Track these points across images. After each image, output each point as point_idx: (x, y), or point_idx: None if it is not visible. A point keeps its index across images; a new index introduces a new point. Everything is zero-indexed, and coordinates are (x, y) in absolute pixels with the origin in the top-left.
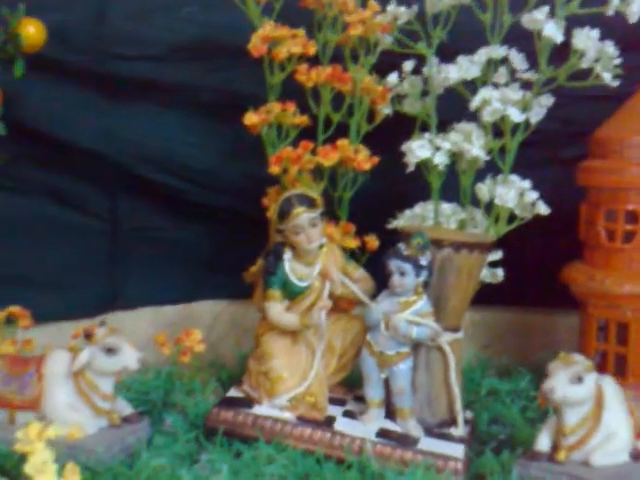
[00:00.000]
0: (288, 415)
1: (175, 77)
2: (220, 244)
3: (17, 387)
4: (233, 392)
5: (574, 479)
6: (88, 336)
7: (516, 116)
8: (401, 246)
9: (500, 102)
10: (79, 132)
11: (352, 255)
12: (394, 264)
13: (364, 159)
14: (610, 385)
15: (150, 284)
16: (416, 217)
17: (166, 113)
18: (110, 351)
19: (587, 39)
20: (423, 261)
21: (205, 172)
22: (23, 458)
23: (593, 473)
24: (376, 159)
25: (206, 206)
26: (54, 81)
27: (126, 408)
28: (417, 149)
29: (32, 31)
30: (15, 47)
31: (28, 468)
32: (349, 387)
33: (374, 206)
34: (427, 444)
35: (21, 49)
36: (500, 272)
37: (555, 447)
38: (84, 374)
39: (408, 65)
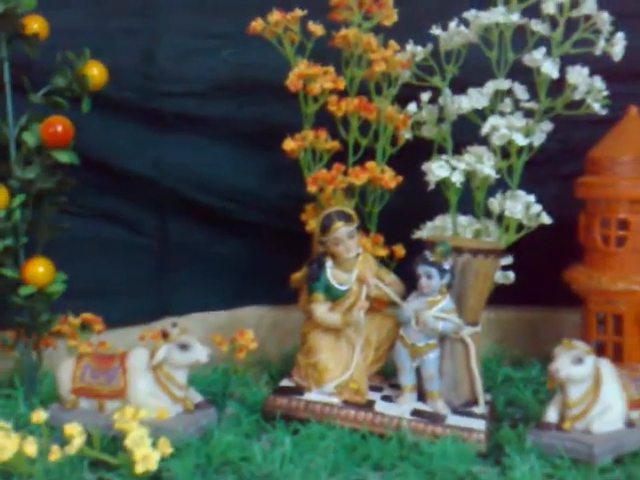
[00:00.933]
0: (335, 400)
1: (217, 111)
2: (261, 256)
3: (105, 380)
4: (285, 382)
5: (578, 444)
6: (165, 335)
7: (520, 140)
8: (427, 253)
9: (507, 128)
10: (133, 161)
11: (382, 262)
12: (422, 269)
13: (390, 178)
14: (607, 366)
15: (198, 293)
16: (437, 228)
17: (210, 142)
18: (184, 347)
19: (579, 75)
20: (446, 266)
21: (245, 193)
22: (116, 438)
23: (594, 439)
24: (400, 178)
25: (247, 223)
26: (111, 116)
27: (197, 396)
28: (436, 169)
29: (96, 72)
30: (82, 87)
31: (128, 442)
32: (385, 376)
33: (399, 219)
34: (454, 420)
35: (87, 88)
36: (511, 274)
37: (561, 418)
38: (162, 367)
39: (425, 96)
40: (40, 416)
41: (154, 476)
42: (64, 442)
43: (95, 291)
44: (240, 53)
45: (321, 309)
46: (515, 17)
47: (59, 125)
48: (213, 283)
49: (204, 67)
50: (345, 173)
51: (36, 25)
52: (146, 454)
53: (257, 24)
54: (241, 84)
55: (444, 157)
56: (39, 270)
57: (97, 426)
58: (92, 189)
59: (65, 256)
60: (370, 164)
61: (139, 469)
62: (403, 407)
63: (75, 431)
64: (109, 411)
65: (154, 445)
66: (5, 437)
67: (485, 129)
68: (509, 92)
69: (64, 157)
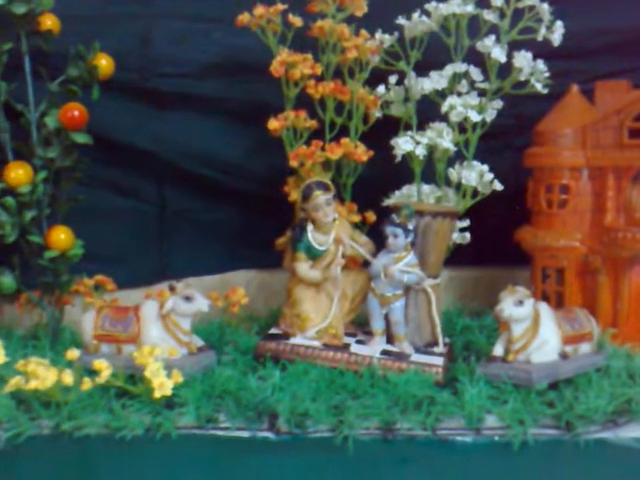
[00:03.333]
0: (316, 343)
1: (209, 90)
2: (249, 223)
3: (122, 327)
4: (272, 330)
5: (519, 372)
6: (172, 289)
7: (475, 117)
8: (394, 216)
9: (463, 107)
10: (134, 136)
11: (356, 226)
12: (389, 229)
13: (362, 153)
14: (544, 308)
15: (192, 257)
16: (403, 196)
17: (203, 118)
18: (188, 299)
19: (523, 59)
20: (410, 226)
21: (235, 165)
22: (133, 375)
23: (532, 367)
24: (371, 152)
25: (237, 192)
26: (115, 96)
27: (199, 341)
28: (402, 144)
29: (104, 63)
30: (92, 76)
31: (147, 373)
32: (358, 324)
33: (371, 189)
34: (417, 358)
35: (97, 77)
36: (467, 235)
37: (506, 352)
38: (170, 316)
39: (392, 79)
40: (74, 353)
41: (168, 401)
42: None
43: (103, 255)
44: (230, 36)
45: (303, 267)
46: (470, 8)
47: (76, 110)
48: (206, 248)
49: (197, 49)
50: (322, 149)
51: (50, 22)
52: (162, 382)
53: (243, 17)
54: (231, 65)
55: (409, 133)
56: (61, 236)
57: (116, 366)
58: (98, 162)
59: (77, 224)
60: (344, 140)
61: (157, 394)
62: (374, 348)
63: (103, 365)
64: (126, 354)
65: (168, 376)
66: (46, 370)
67: (444, 107)
68: (465, 74)
69: (80, 138)
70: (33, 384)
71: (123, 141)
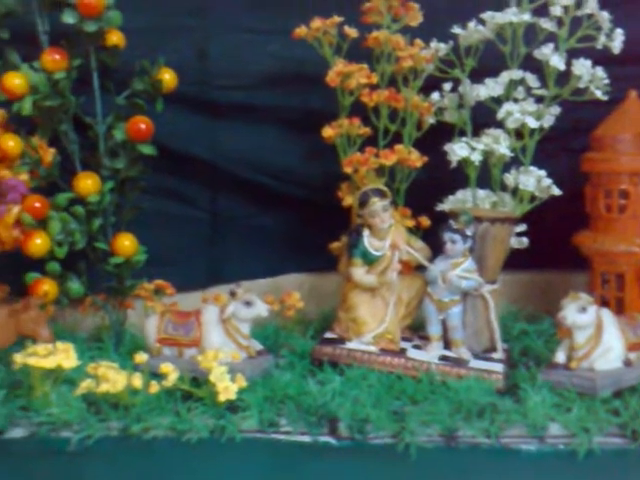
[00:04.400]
0: (373, 348)
1: (263, 99)
2: (300, 227)
3: (183, 331)
4: (328, 335)
5: (582, 379)
6: (233, 294)
7: (532, 123)
8: (452, 222)
9: (520, 113)
10: (190, 145)
11: (410, 231)
12: (447, 235)
13: (416, 159)
14: (607, 314)
15: (245, 261)
16: (458, 201)
17: (258, 127)
18: (248, 304)
19: (582, 66)
20: (468, 232)
21: (289, 171)
22: (195, 378)
23: (596, 375)
24: (425, 158)
25: (290, 198)
26: (173, 107)
27: (257, 345)
28: (458, 149)
29: (168, 77)
30: (156, 90)
31: (211, 377)
32: (414, 329)
33: (424, 194)
34: (475, 364)
35: (160, 91)
36: (525, 240)
37: (568, 359)
38: (230, 321)
39: (447, 86)
40: (142, 357)
41: (231, 405)
42: (159, 379)
43: (158, 260)
44: (284, 47)
45: (359, 272)
46: (526, 17)
47: (142, 123)
48: (259, 252)
49: (251, 62)
50: (376, 155)
51: (115, 38)
52: (226, 386)
53: (300, 30)
54: (285, 76)
55: (464, 139)
56: (125, 243)
57: (178, 369)
58: (155, 170)
59: (135, 229)
60: (398, 147)
61: (221, 398)
62: (431, 354)
63: (170, 369)
64: (187, 357)
65: (231, 380)
66: (116, 373)
67: (501, 114)
68: (521, 81)
69: (146, 149)
70: (104, 387)
71: (179, 150)
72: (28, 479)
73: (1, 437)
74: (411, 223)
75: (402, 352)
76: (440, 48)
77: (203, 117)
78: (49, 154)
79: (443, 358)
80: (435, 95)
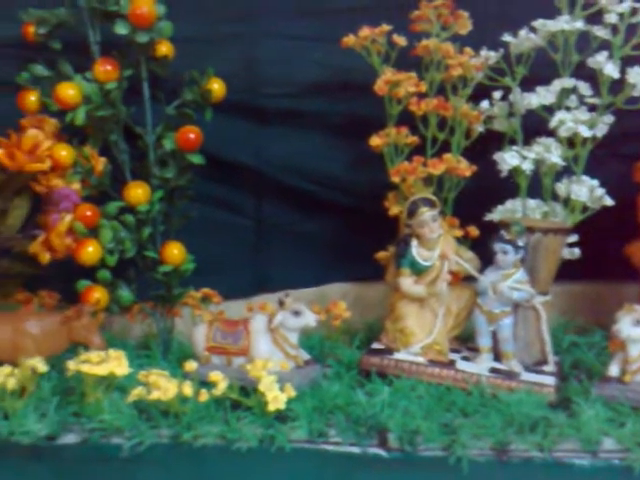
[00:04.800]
0: (421, 359)
1: (310, 107)
2: (345, 236)
3: (232, 340)
4: (375, 345)
5: (637, 393)
6: (281, 303)
7: (586, 132)
8: (503, 233)
9: (573, 122)
10: (237, 152)
11: (458, 241)
12: (498, 246)
13: (465, 168)
14: None
15: (289, 270)
16: (507, 211)
17: (304, 134)
18: (296, 313)
19: (638, 75)
20: (520, 243)
21: (335, 179)
22: (244, 387)
23: None
24: (474, 167)
25: (335, 206)
26: (220, 115)
27: (305, 355)
28: (508, 158)
29: (216, 87)
30: (205, 99)
31: (261, 386)
32: (462, 341)
33: (473, 203)
34: (527, 377)
35: (210, 101)
36: (577, 251)
37: (622, 373)
38: (278, 330)
39: (497, 94)
40: (191, 366)
41: (280, 414)
42: (208, 387)
43: (204, 268)
44: (332, 55)
45: (407, 282)
46: (579, 24)
47: (192, 133)
48: (303, 261)
49: (297, 70)
50: (424, 164)
51: (165, 48)
52: (276, 396)
53: (348, 39)
54: (333, 84)
55: (515, 148)
56: (174, 252)
57: (228, 378)
58: (203, 178)
59: (181, 238)
60: (447, 156)
61: (270, 408)
62: (481, 366)
63: (219, 378)
64: (235, 366)
65: (281, 390)
66: (167, 381)
67: (553, 123)
68: (574, 89)
69: (195, 159)
70: (155, 395)
71: (225, 158)
72: None
73: (54, 443)
74: (459, 233)
75: (451, 364)
76: (490, 56)
77: (250, 125)
78: (100, 163)
79: (493, 370)
80: (485, 103)
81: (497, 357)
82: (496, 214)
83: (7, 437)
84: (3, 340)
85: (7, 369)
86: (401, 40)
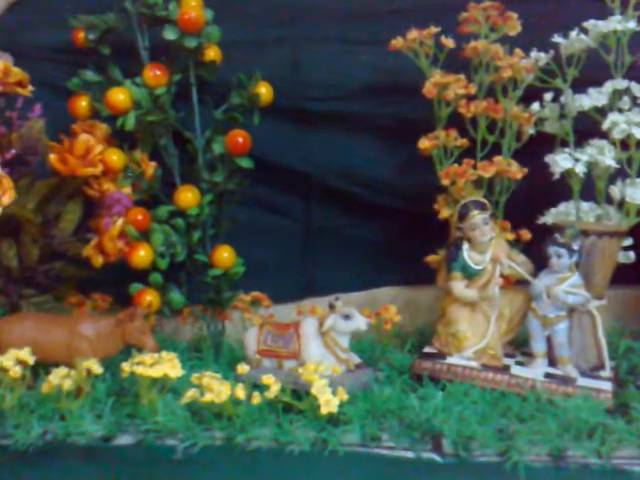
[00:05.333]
0: (474, 364)
1: (357, 110)
2: (394, 239)
3: (282, 343)
4: (427, 349)
5: None
6: (332, 307)
7: (639, 134)
8: (557, 236)
9: (626, 123)
10: (285, 155)
11: (510, 244)
12: (553, 250)
13: (516, 170)
14: None
15: (338, 273)
16: (560, 214)
17: (352, 138)
18: (347, 317)
19: None
20: (575, 246)
21: (384, 182)
22: (295, 390)
23: None
24: (525, 170)
25: (384, 209)
26: (267, 119)
27: (356, 358)
28: (560, 161)
29: (264, 91)
30: (253, 103)
31: (313, 390)
32: (516, 345)
33: (524, 206)
34: (583, 382)
35: (257, 105)
36: (632, 254)
37: None
38: (329, 334)
39: (548, 96)
40: (244, 369)
41: (332, 418)
42: (260, 390)
43: (253, 271)
44: (377, 58)
45: (459, 286)
46: (632, 24)
47: (240, 137)
48: (352, 264)
49: (343, 73)
50: (474, 167)
51: (213, 53)
52: (328, 399)
53: (396, 42)
54: (379, 87)
55: (567, 150)
56: (224, 255)
57: (279, 381)
58: (250, 181)
59: (229, 241)
60: (497, 158)
61: (323, 411)
62: (536, 370)
63: (271, 381)
64: (286, 369)
65: (333, 393)
66: (220, 384)
67: (606, 125)
68: (626, 90)
69: (244, 163)
70: (208, 397)
71: (274, 161)
72: None
73: (110, 443)
74: (511, 237)
75: (505, 368)
76: (540, 57)
77: (297, 128)
78: (151, 168)
79: (548, 375)
80: (535, 105)
81: (551, 362)
82: (549, 217)
83: (64, 438)
84: (59, 342)
85: (63, 371)
86: (449, 42)
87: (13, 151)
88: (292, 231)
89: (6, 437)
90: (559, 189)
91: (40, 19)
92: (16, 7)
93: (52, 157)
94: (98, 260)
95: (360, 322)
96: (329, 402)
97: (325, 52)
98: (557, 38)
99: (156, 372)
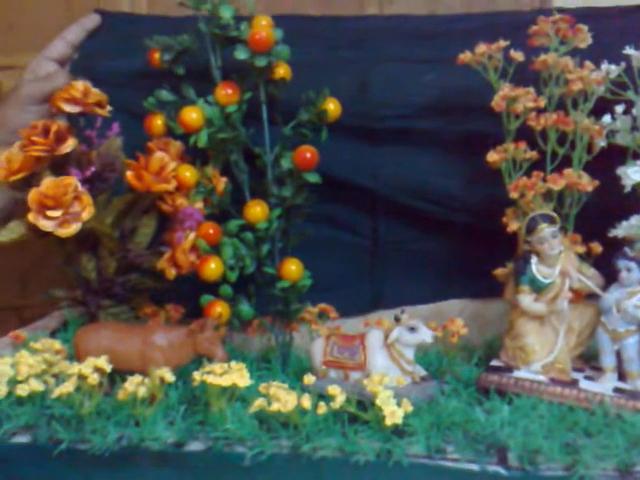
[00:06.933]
0: (542, 378)
1: (423, 127)
2: (462, 253)
3: (348, 355)
4: (494, 362)
5: None
6: (397, 320)
7: None
8: (627, 249)
9: None
10: (352, 173)
11: (581, 258)
12: (622, 263)
13: (587, 183)
14: None
15: (405, 287)
16: (632, 227)
17: (418, 153)
18: (412, 329)
19: None
20: None
21: (450, 196)
22: (360, 401)
23: None
24: (596, 182)
25: (451, 223)
26: (336, 137)
27: (421, 371)
28: (632, 174)
29: (332, 107)
30: (321, 120)
31: (378, 401)
32: (585, 360)
33: (595, 219)
34: None
35: (325, 121)
36: None
37: None
38: (394, 346)
39: (619, 108)
40: (310, 379)
41: (397, 429)
42: (326, 400)
43: (320, 285)
44: (439, 79)
45: (527, 299)
46: None
47: (308, 152)
48: (419, 278)
49: (409, 93)
50: (544, 180)
51: (282, 71)
52: (393, 410)
53: (465, 56)
54: (446, 105)
55: (639, 162)
56: (292, 268)
57: (344, 391)
58: (318, 197)
59: (297, 256)
60: (567, 171)
61: (388, 422)
62: (605, 385)
63: (337, 391)
64: (352, 380)
65: (398, 404)
66: (287, 393)
67: None
68: None
69: (312, 178)
70: (275, 406)
71: (341, 177)
72: None
73: (181, 449)
74: (581, 250)
75: (574, 383)
76: (611, 70)
77: (364, 146)
78: (221, 183)
79: (618, 390)
80: (606, 118)
81: (621, 377)
82: (620, 230)
83: (138, 443)
84: (134, 351)
85: (138, 378)
86: (518, 55)
87: (93, 168)
88: (359, 247)
89: (84, 442)
90: (631, 202)
91: (116, 46)
92: (94, 34)
93: (129, 174)
94: (171, 272)
95: (425, 334)
96: (394, 413)
97: (392, 71)
98: (629, 50)
99: (225, 381)
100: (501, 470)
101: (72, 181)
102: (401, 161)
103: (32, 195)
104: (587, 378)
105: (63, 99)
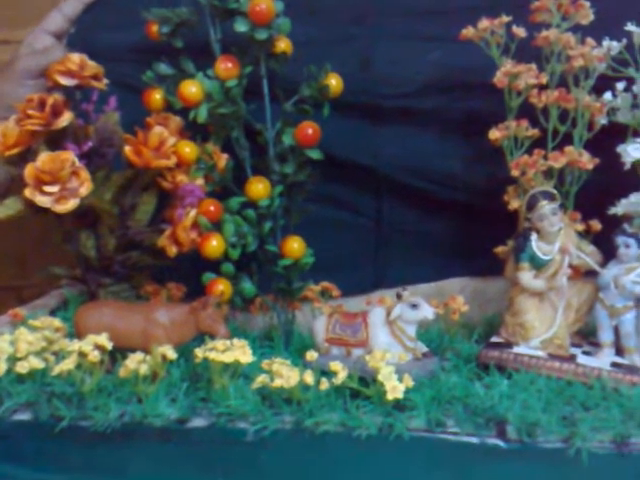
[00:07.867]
0: (541, 353)
1: (427, 106)
2: (463, 232)
3: (351, 332)
4: (494, 338)
5: None
6: (399, 297)
7: None
8: (626, 226)
9: None
10: (355, 152)
11: (580, 235)
12: (621, 239)
13: (588, 160)
14: None
15: (407, 267)
16: (631, 204)
17: (420, 132)
18: (414, 306)
19: None
20: None
21: (452, 175)
22: (362, 377)
23: None
24: (597, 160)
25: (453, 202)
26: (336, 115)
27: (423, 347)
28: (632, 151)
29: (334, 83)
30: (323, 95)
31: (380, 376)
32: (584, 335)
33: (595, 196)
34: None
35: (327, 97)
36: None
37: None
38: (396, 322)
39: (620, 85)
40: (312, 355)
41: (398, 404)
42: (328, 377)
43: (322, 264)
44: (443, 57)
45: (527, 276)
46: None
47: (310, 128)
48: (421, 257)
49: (412, 70)
50: (545, 157)
51: (283, 45)
52: (394, 386)
53: (467, 31)
54: (449, 83)
55: (639, 140)
56: (294, 246)
57: (347, 368)
58: (320, 176)
59: (299, 234)
60: (568, 148)
61: (389, 397)
62: (603, 360)
63: (339, 367)
64: (354, 357)
65: (399, 380)
66: (289, 370)
67: None
68: None
69: (314, 154)
70: (278, 382)
71: (343, 156)
72: (209, 465)
73: (184, 426)
74: (581, 227)
75: (572, 358)
76: (613, 47)
77: (366, 124)
78: (222, 160)
79: (615, 365)
80: (607, 95)
81: (619, 352)
82: (619, 208)
83: (140, 420)
84: (136, 329)
85: (140, 356)
86: (520, 31)
87: (90, 143)
88: (362, 226)
89: (86, 419)
90: (631, 180)
91: (114, 19)
92: (91, 7)
93: (127, 149)
94: (172, 250)
95: (427, 311)
96: (395, 388)
97: (395, 48)
98: (630, 27)
99: (227, 358)
100: (500, 443)
101: (69, 156)
102: (402, 140)
103: (28, 170)
104: (585, 353)
105: (59, 72)
